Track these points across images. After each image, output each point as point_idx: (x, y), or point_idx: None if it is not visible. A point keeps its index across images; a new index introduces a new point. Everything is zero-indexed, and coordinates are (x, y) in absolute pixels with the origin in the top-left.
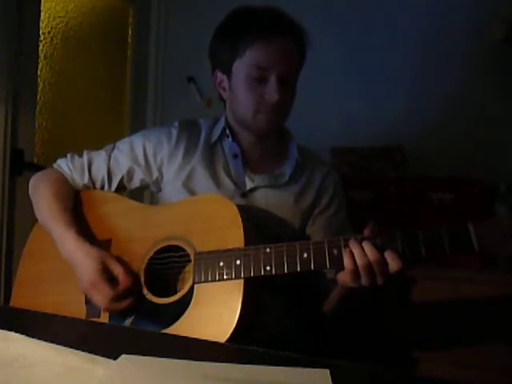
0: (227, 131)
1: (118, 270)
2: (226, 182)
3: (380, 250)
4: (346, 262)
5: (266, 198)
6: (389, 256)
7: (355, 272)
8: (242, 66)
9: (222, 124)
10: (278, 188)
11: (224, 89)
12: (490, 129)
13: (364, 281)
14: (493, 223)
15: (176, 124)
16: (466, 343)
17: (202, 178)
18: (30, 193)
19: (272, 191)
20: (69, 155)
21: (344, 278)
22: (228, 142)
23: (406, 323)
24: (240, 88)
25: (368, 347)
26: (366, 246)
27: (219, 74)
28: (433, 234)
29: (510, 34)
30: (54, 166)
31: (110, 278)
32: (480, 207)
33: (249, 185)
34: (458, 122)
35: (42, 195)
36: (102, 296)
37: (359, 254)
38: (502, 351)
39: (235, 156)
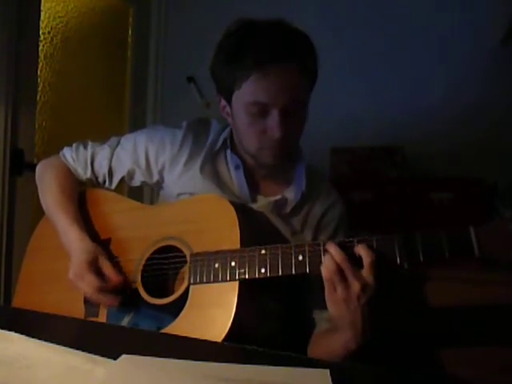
0: (228, 142)
1: (108, 269)
2: (228, 192)
3: (346, 249)
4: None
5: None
6: (360, 250)
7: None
8: (240, 100)
9: (226, 133)
10: (278, 217)
11: (228, 114)
12: (490, 129)
13: (339, 291)
14: (495, 227)
15: (184, 124)
16: (466, 343)
17: (201, 186)
18: (36, 180)
19: (272, 218)
20: (74, 145)
21: (333, 306)
22: (229, 153)
23: (405, 322)
24: (241, 122)
25: (368, 347)
26: (331, 247)
27: (222, 100)
28: (432, 238)
29: (510, 34)
30: (60, 154)
31: (99, 273)
32: (480, 207)
33: (251, 205)
34: (457, 122)
35: (47, 185)
36: (86, 285)
37: (328, 257)
38: (502, 351)
39: (237, 167)
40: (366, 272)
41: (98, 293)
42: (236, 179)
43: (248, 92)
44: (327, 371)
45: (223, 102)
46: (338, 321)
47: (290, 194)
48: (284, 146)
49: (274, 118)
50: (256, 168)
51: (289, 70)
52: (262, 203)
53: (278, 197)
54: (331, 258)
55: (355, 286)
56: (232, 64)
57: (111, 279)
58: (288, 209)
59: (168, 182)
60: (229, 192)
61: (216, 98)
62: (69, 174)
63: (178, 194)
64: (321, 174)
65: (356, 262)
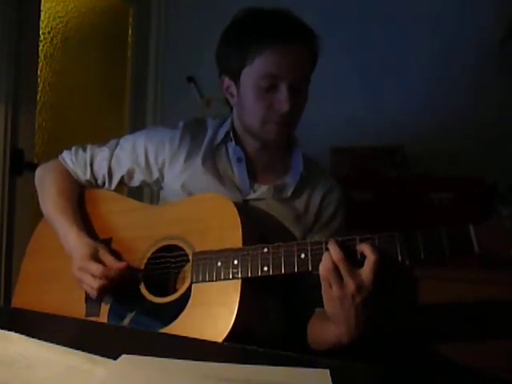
0: (231, 135)
1: (107, 257)
2: (228, 186)
3: (347, 247)
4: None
5: (268, 209)
6: (364, 248)
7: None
8: (250, 74)
9: (226, 126)
10: (280, 202)
11: (232, 95)
12: (490, 129)
13: (335, 289)
14: (494, 225)
15: (180, 125)
16: (466, 342)
17: (203, 181)
18: (36, 184)
19: (274, 203)
20: (73, 148)
21: (328, 303)
22: (232, 146)
23: (406, 320)
24: (249, 96)
25: (368, 346)
26: (330, 245)
27: (226, 80)
28: (432, 236)
29: (510, 35)
30: (59, 158)
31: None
32: (480, 207)
33: (251, 195)
34: (457, 121)
35: (47, 189)
36: (90, 276)
37: (325, 256)
38: (502, 349)
39: (239, 160)
40: (365, 271)
41: (103, 280)
42: (237, 172)
43: (261, 65)
44: (327, 371)
45: (227, 82)
46: (332, 316)
47: (289, 179)
48: (288, 121)
49: (282, 93)
50: (257, 157)
51: (300, 51)
52: (261, 191)
53: (278, 182)
54: (329, 257)
55: (350, 286)
56: (246, 42)
57: (112, 266)
58: (289, 192)
59: (168, 180)
60: (229, 185)
61: (215, 92)
62: (68, 177)
63: (182, 186)
64: (321, 166)
65: (356, 260)
